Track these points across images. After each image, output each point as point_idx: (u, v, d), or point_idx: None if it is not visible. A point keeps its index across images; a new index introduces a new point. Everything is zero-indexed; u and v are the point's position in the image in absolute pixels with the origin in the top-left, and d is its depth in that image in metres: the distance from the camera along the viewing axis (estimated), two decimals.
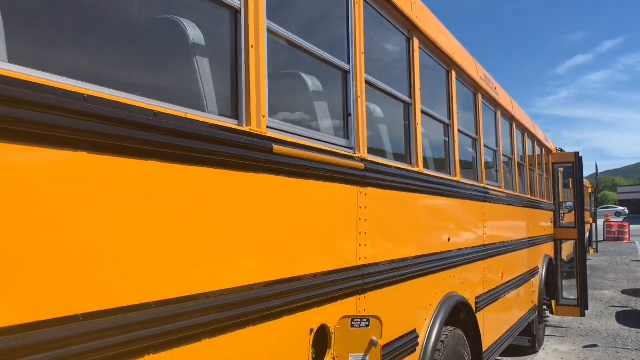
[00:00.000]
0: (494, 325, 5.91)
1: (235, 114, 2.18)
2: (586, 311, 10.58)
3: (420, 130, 4.14)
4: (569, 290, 11.54)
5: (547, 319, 9.78)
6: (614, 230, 35.11)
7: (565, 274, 12.27)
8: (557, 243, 11.00)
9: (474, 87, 5.76)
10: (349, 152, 3.01)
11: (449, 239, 4.54)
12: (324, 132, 2.95)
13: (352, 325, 2.74)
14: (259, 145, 2.19)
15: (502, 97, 6.85)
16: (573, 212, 10.98)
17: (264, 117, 2.26)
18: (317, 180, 2.64)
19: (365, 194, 3.12)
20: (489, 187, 5.91)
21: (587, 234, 23.47)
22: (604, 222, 36.80)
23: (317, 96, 3.03)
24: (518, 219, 7.66)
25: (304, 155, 2.48)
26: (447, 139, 4.92)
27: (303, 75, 2.97)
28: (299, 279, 2.43)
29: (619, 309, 12.96)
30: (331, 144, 2.87)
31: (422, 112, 4.24)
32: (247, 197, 2.13)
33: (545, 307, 9.58)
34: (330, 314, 2.69)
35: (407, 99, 4.05)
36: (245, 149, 2.11)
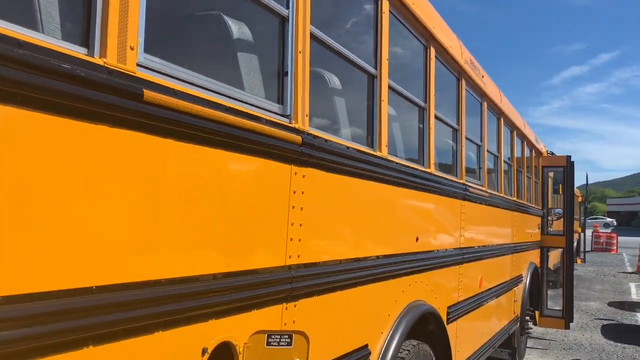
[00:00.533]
0: (469, 337, 5.29)
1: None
2: (571, 323, 10.02)
3: (386, 109, 3.49)
4: (554, 300, 11.00)
5: (529, 330, 9.20)
6: (602, 240, 34.86)
7: (550, 283, 11.76)
8: (544, 251, 10.43)
9: (458, 71, 5.14)
10: (280, 120, 2.36)
11: (417, 239, 3.91)
12: (248, 92, 2.30)
13: (269, 343, 2.08)
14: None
15: (490, 87, 6.23)
16: (562, 219, 10.42)
17: (132, 49, 1.59)
18: (226, 150, 1.99)
19: (303, 176, 2.47)
20: (469, 184, 5.29)
21: (575, 244, 23.05)
22: (592, 232, 36.57)
23: (243, 47, 2.38)
24: (502, 222, 7.05)
25: (201, 112, 1.81)
26: (421, 126, 4.29)
27: (226, 18, 2.32)
28: (185, 281, 1.77)
29: (605, 322, 12.44)
30: (254, 106, 2.22)
31: (391, 87, 3.60)
32: (109, 157, 1.48)
33: (528, 317, 9.01)
34: (238, 328, 2.04)
35: (371, 69, 3.40)
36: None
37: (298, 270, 2.42)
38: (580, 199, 28.14)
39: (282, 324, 2.32)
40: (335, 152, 2.77)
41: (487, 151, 6.25)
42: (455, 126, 5.15)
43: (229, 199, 2.03)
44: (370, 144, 3.39)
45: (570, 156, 10.31)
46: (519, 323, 8.28)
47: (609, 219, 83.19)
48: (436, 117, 4.40)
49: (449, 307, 4.64)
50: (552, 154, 11.25)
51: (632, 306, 14.69)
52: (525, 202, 8.79)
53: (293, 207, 2.42)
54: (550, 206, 12.14)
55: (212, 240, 1.93)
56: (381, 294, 3.35)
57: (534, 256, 9.58)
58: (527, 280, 8.66)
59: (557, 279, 11.68)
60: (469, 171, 5.63)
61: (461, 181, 5.09)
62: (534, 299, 9.49)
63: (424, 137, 4.24)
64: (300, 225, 2.46)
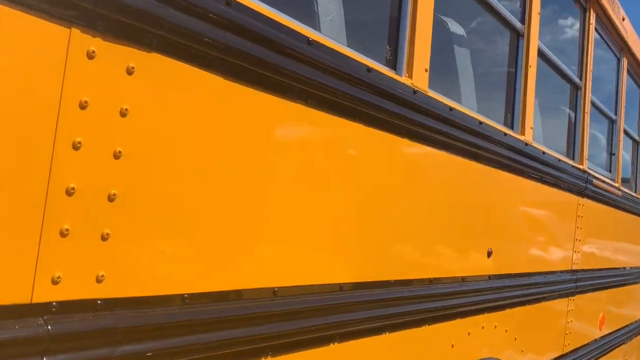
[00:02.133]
0: None
1: None
2: None
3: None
4: None
5: None
6: None
7: None
8: None
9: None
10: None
11: (490, 254, 2.25)
12: None
13: None
14: None
15: (633, 36, 4.25)
16: None
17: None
18: None
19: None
20: (593, 173, 3.45)
21: None
22: None
23: None
24: (638, 235, 5.02)
25: None
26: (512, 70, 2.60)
27: None
28: None
29: None
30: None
31: None
32: None
33: None
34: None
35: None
36: None
37: None
38: None
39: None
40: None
41: (625, 132, 4.30)
42: (578, 82, 3.33)
43: None
44: None
45: None
46: None
47: None
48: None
49: None
50: None
51: None
52: None
53: None
54: None
55: None
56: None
57: None
58: None
59: None
60: (594, 156, 3.77)
61: (581, 166, 3.27)
62: None
63: (518, 75, 2.54)
64: None
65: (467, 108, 2.17)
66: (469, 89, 2.35)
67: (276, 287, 1.27)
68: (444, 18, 2.31)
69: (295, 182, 1.34)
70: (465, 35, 2.39)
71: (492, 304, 2.30)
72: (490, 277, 2.27)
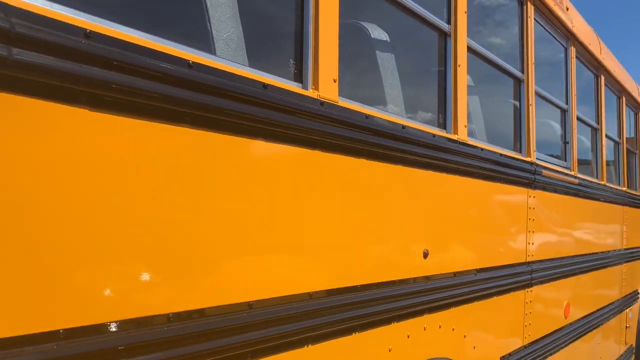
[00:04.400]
0: None
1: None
2: None
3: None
4: None
5: None
6: None
7: None
8: None
9: None
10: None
11: (427, 254, 2.26)
12: None
13: None
14: None
15: (580, 26, 4.29)
16: None
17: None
18: None
19: None
20: (542, 164, 3.48)
21: None
22: None
23: None
24: (604, 222, 5.06)
25: None
26: (442, 68, 2.61)
27: None
28: None
29: None
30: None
31: None
32: None
33: None
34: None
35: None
36: None
37: None
38: None
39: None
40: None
41: (579, 119, 4.33)
42: (519, 75, 3.36)
43: None
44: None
45: None
46: (634, 355, 6.18)
47: None
48: (468, 49, 2.69)
49: (502, 359, 2.92)
50: None
51: None
52: None
53: None
54: None
55: None
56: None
57: None
58: None
59: None
60: (544, 146, 3.80)
61: (528, 159, 3.30)
62: None
63: (448, 75, 2.55)
64: None
65: (390, 114, 2.19)
66: (395, 94, 2.37)
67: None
68: (365, 24, 2.33)
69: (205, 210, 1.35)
70: (389, 40, 2.41)
71: (433, 305, 2.32)
72: (428, 277, 2.28)
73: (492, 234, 2.90)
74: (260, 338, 1.49)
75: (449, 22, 2.56)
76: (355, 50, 2.28)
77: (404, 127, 2.13)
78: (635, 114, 6.62)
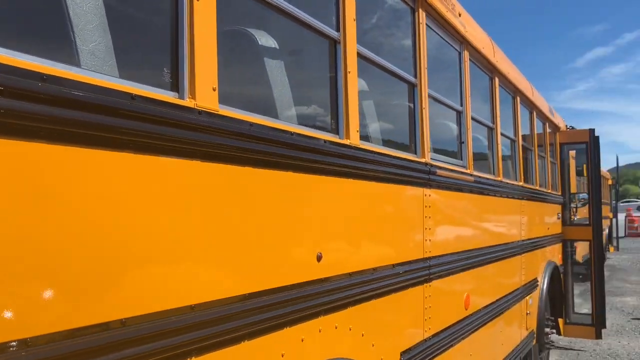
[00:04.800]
0: None
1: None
2: (603, 330, 8.27)
3: None
4: (584, 297, 9.32)
5: (550, 344, 7.50)
6: (636, 225, 32.53)
7: (580, 277, 10.06)
8: (567, 245, 8.67)
9: None
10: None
11: (320, 257, 2.30)
12: None
13: None
14: None
15: (472, 31, 4.53)
16: (588, 205, 8.65)
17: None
18: None
19: None
20: (438, 164, 3.64)
21: (606, 231, 21.03)
22: (626, 216, 34.15)
23: None
24: (502, 215, 5.37)
25: None
26: (332, 74, 2.67)
27: None
28: None
29: None
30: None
31: None
32: None
33: (548, 329, 7.30)
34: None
35: None
36: None
37: None
38: (610, 182, 26.11)
39: None
40: None
41: (473, 119, 4.56)
42: (412, 79, 3.49)
43: None
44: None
45: (593, 130, 8.51)
46: (535, 339, 6.59)
47: None
48: (359, 55, 2.76)
49: (403, 354, 3.02)
50: (572, 128, 9.44)
51: None
52: (538, 188, 7.06)
53: None
54: (574, 191, 10.35)
55: None
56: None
57: (553, 253, 7.84)
58: (544, 284, 6.95)
59: (588, 271, 9.90)
60: (440, 147, 3.98)
61: (422, 160, 3.44)
62: (556, 306, 7.76)
63: (338, 81, 2.61)
64: None
65: (279, 121, 2.21)
66: (285, 102, 2.40)
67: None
68: (252, 31, 2.34)
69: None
70: (278, 47, 2.43)
71: (328, 306, 2.36)
72: (323, 280, 2.32)
73: (388, 233, 2.99)
74: (135, 355, 1.45)
75: (337, 30, 2.62)
76: (241, 58, 2.28)
77: (292, 133, 2.15)
78: (530, 112, 7.06)
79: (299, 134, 2.21)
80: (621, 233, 28.19)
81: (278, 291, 2.05)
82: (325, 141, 2.39)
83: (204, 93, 1.75)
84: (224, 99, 1.85)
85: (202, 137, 1.72)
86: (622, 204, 54.09)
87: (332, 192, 2.46)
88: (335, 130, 2.60)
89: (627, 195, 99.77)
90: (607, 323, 9.09)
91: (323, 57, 2.66)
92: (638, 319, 11.10)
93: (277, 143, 2.07)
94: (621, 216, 30.97)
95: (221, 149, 1.80)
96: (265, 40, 2.37)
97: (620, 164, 26.78)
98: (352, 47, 2.67)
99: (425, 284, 3.36)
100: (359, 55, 2.75)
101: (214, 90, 1.79)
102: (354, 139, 2.62)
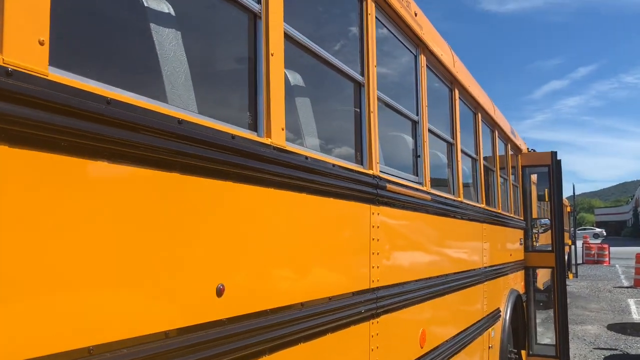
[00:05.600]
0: None
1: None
2: None
3: None
4: (545, 326, 8.95)
5: None
6: (593, 252, 32.97)
7: (541, 304, 9.72)
8: (529, 272, 8.29)
9: None
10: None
11: (222, 290, 1.72)
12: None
13: None
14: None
15: (430, 35, 4.08)
16: (549, 231, 8.33)
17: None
18: None
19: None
20: (388, 177, 3.11)
21: (565, 257, 21.02)
22: (583, 244, 34.66)
23: None
24: (462, 240, 4.88)
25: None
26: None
27: None
28: None
29: (607, 353, 10.32)
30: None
31: None
32: None
33: None
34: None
35: None
36: None
37: None
38: (569, 209, 26.40)
39: None
40: None
41: (430, 131, 4.08)
42: (359, 79, 2.98)
43: None
44: None
45: (555, 152, 8.22)
46: None
47: (598, 229, 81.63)
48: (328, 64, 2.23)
49: None
50: (534, 151, 9.17)
51: (636, 329, 12.55)
52: (501, 212, 6.65)
53: None
54: (535, 216, 10.07)
55: None
56: None
57: (516, 281, 7.41)
58: (507, 314, 6.48)
59: (550, 298, 9.56)
60: (392, 160, 3.47)
61: (370, 172, 2.91)
62: (519, 337, 7.31)
63: (258, 64, 2.06)
64: None
65: (169, 107, 1.64)
66: (182, 88, 1.83)
67: None
68: None
69: None
70: (173, 14, 1.88)
71: (237, 355, 1.77)
72: (224, 321, 1.73)
73: (323, 258, 2.43)
74: None
75: (259, 2, 2.08)
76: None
77: (180, 121, 1.58)
78: (492, 131, 6.69)
79: (192, 123, 1.64)
80: (579, 260, 28.46)
81: (155, 338, 1.46)
82: (234, 136, 1.82)
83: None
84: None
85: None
86: (579, 232, 55.20)
87: (245, 204, 1.88)
88: (253, 127, 2.04)
89: (582, 223, 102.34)
90: (570, 353, 8.72)
91: (242, 34, 2.11)
92: (600, 348, 10.79)
93: (159, 132, 1.50)
94: (578, 243, 31.34)
95: None
96: (158, 4, 1.81)
97: (576, 193, 27.12)
98: (277, 24, 2.14)
99: (371, 320, 2.80)
100: (287, 36, 2.22)
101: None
102: (278, 139, 2.07)
